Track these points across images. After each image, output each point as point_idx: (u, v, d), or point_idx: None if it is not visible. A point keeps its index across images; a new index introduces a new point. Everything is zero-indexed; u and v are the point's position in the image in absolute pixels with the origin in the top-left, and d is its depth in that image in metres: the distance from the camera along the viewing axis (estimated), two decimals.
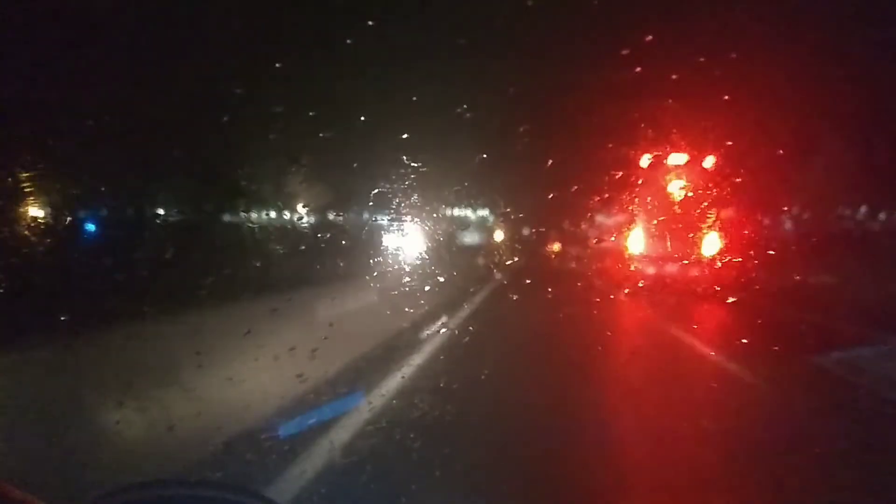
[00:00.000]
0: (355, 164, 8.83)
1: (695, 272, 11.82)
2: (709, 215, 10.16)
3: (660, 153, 11.29)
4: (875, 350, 8.06)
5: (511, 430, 4.99)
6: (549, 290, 12.72)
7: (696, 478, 4.25)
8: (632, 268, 13.57)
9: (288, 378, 5.43)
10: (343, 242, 9.33)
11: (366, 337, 7.85)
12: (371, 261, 9.04)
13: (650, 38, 7.03)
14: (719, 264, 10.17)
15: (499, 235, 32.64)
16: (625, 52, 7.40)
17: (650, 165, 11.34)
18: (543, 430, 4.97)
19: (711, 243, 10.54)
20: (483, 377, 6.76)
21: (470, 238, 32.15)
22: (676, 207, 11.50)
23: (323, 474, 4.11)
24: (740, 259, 9.21)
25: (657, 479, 4.27)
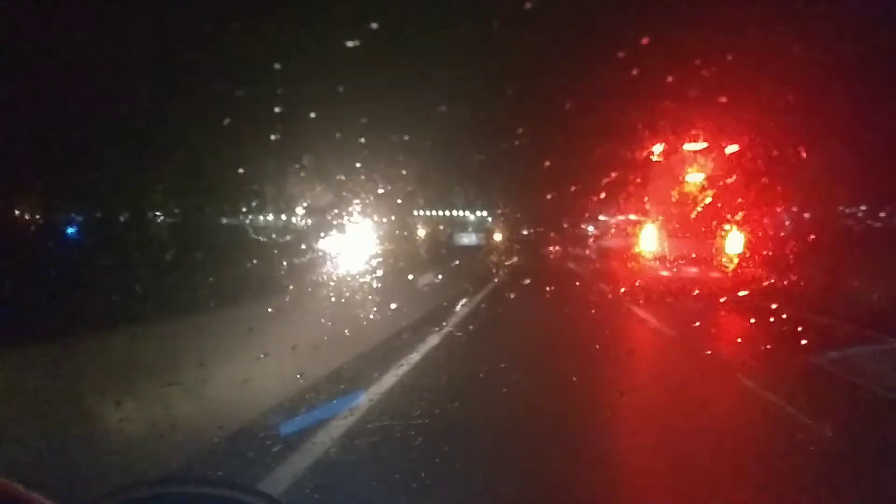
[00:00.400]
0: (358, 164, 8.87)
1: (715, 274, 10.90)
2: (730, 210, 9.70)
3: (672, 143, 10.86)
4: None
5: (511, 430, 5.00)
6: (548, 288, 12.71)
7: (692, 477, 4.26)
8: (642, 267, 12.50)
9: (288, 377, 5.45)
10: (343, 242, 9.35)
11: (365, 337, 7.86)
12: (371, 260, 9.05)
13: (646, 41, 6.98)
14: (729, 263, 9.69)
15: (497, 236, 32.54)
16: (643, 41, 7.26)
17: (662, 155, 10.91)
18: (542, 431, 4.98)
19: (734, 241, 10.02)
20: (481, 376, 6.78)
21: (468, 239, 32.10)
22: (689, 202, 10.98)
23: (323, 471, 4.13)
24: (765, 259, 8.72)
25: (657, 479, 4.29)
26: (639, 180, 10.83)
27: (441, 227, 29.27)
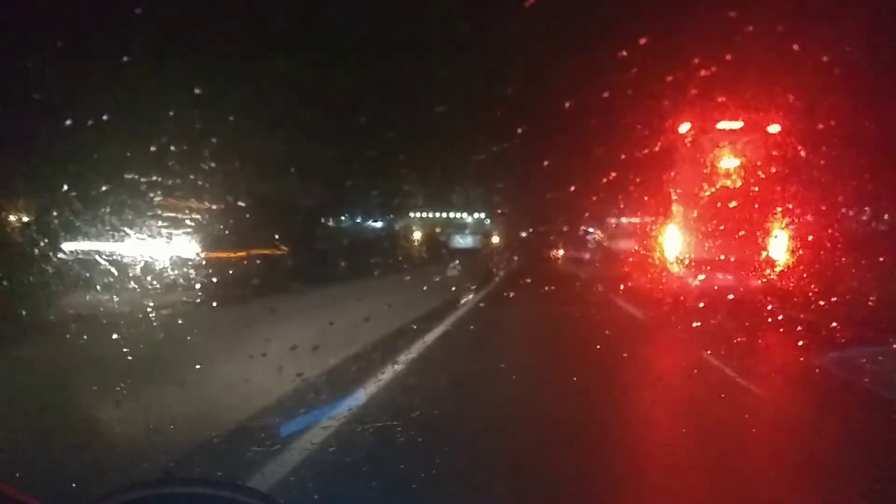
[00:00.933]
0: (359, 164, 8.85)
1: (754, 281, 8.92)
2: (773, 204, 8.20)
3: (700, 123, 9.26)
4: None
5: (511, 433, 4.96)
6: (547, 288, 12.51)
7: (689, 478, 4.24)
8: (659, 273, 10.51)
9: (287, 376, 5.41)
10: (342, 244, 9.35)
11: (363, 338, 7.85)
12: (371, 261, 9.02)
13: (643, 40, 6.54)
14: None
15: (496, 238, 32.34)
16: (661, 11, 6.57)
17: (686, 138, 9.33)
18: (545, 434, 4.94)
19: (779, 243, 8.37)
20: (480, 376, 6.76)
21: (464, 241, 31.88)
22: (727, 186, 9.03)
23: (322, 471, 4.09)
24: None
25: (656, 480, 4.26)
26: (655, 172, 9.59)
27: (438, 230, 29.21)
